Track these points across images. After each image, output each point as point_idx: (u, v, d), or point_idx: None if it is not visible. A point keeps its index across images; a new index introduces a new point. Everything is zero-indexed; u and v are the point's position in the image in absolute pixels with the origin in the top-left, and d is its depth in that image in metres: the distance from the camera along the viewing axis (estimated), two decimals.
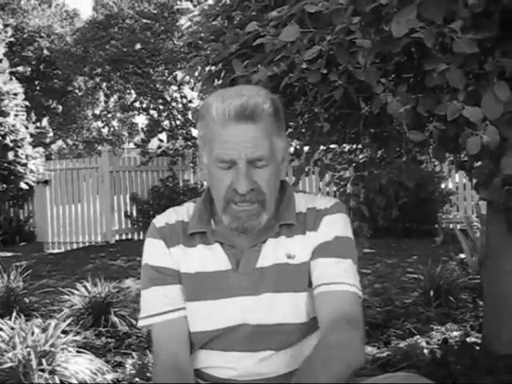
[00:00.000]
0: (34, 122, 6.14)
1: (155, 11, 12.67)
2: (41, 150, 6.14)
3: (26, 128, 5.87)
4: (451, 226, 7.84)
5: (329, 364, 1.09)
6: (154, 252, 1.31)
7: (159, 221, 1.33)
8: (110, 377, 2.60)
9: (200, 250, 1.29)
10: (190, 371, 1.26)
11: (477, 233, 4.90)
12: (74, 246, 8.91)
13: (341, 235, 1.27)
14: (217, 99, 1.19)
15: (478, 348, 2.79)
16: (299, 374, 1.10)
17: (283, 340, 1.25)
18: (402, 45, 1.60)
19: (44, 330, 2.67)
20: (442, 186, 7.84)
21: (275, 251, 1.26)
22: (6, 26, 6.11)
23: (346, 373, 1.10)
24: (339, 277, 1.22)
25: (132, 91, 14.46)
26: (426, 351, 2.78)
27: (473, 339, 2.97)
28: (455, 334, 3.11)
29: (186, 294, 1.28)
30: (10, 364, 2.41)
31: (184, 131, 11.71)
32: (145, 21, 12.20)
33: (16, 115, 5.76)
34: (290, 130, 2.57)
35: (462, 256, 4.74)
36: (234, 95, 1.18)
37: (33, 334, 2.59)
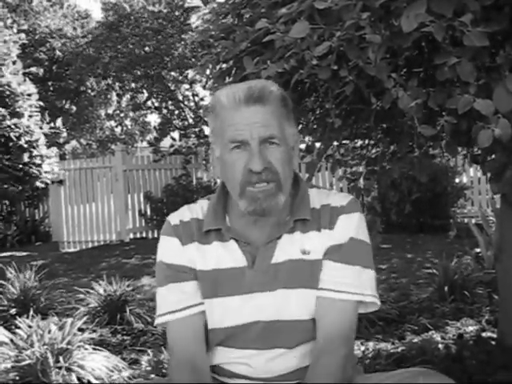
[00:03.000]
0: (48, 123, 6.20)
1: (165, 10, 12.69)
2: (55, 150, 6.19)
3: (41, 128, 5.93)
4: (466, 220, 7.79)
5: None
6: (169, 250, 1.32)
7: (174, 218, 1.34)
8: (126, 374, 2.63)
9: (215, 247, 1.29)
10: (206, 369, 1.28)
11: (492, 227, 4.86)
12: (89, 245, 8.98)
13: (355, 237, 1.27)
14: (225, 89, 1.26)
15: (493, 343, 2.78)
16: None
17: (295, 337, 1.26)
18: (412, 39, 1.59)
19: (60, 328, 2.70)
20: (457, 180, 7.78)
21: (290, 247, 1.27)
22: (19, 31, 6.17)
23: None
24: (344, 285, 1.24)
25: (144, 91, 14.53)
26: (441, 346, 2.77)
27: (488, 334, 2.95)
28: (470, 328, 3.09)
29: (203, 291, 1.29)
30: (28, 361, 2.45)
31: (196, 129, 11.75)
32: (156, 22, 12.25)
33: (30, 116, 5.82)
34: (301, 126, 2.57)
35: (477, 250, 4.71)
36: (241, 84, 1.26)
37: (50, 332, 2.62)
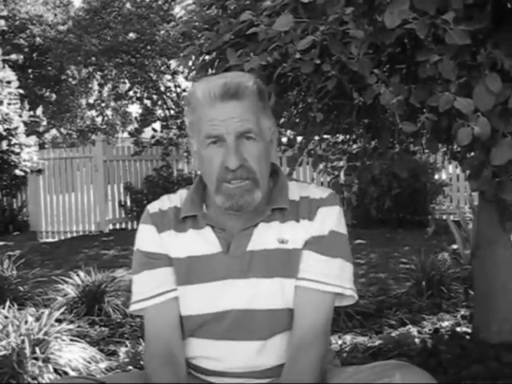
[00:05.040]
0: (28, 111, 6.10)
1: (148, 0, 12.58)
2: (34, 138, 6.10)
3: (20, 116, 5.83)
4: (444, 216, 7.88)
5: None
6: (145, 238, 1.33)
7: (153, 207, 1.35)
8: (103, 365, 2.62)
9: (190, 235, 1.30)
10: (181, 358, 1.28)
11: (469, 224, 4.93)
12: (68, 236, 8.90)
13: (336, 230, 1.28)
14: (201, 83, 1.24)
15: (468, 337, 2.82)
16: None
17: (271, 327, 1.26)
18: (395, 36, 1.60)
19: (37, 318, 2.67)
20: (436, 176, 7.87)
21: (266, 236, 1.27)
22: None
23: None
24: (324, 276, 1.25)
25: (126, 80, 14.40)
26: (417, 340, 2.81)
27: (463, 329, 3.00)
28: (446, 323, 3.14)
29: (178, 279, 1.30)
30: (3, 352, 2.42)
31: (178, 120, 11.68)
32: (139, 10, 12.15)
33: (9, 104, 5.72)
34: (283, 119, 2.57)
35: (455, 247, 4.77)
36: (218, 77, 1.24)
37: (26, 322, 2.59)
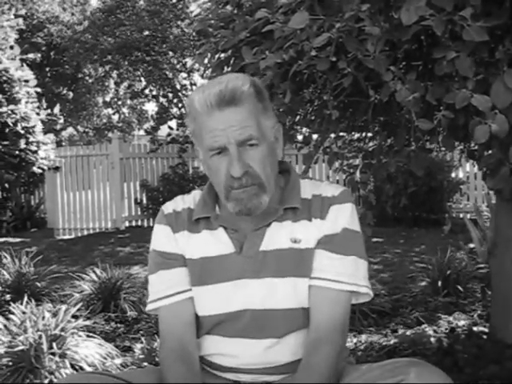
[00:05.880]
0: (45, 109, 6.16)
1: None
2: (51, 136, 6.16)
3: (38, 114, 5.89)
4: (461, 215, 7.81)
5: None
6: (161, 238, 1.34)
7: (167, 207, 1.36)
8: (118, 361, 2.64)
9: (204, 236, 1.31)
10: (195, 355, 1.29)
11: (486, 222, 4.88)
12: (85, 233, 8.97)
13: (349, 227, 1.27)
14: (198, 92, 1.23)
15: (485, 337, 2.79)
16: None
17: (286, 326, 1.27)
18: (411, 32, 1.59)
19: (54, 314, 2.70)
20: (453, 175, 7.79)
21: (279, 235, 1.27)
22: (16, 16, 6.11)
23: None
24: (338, 274, 1.25)
25: (142, 78, 14.48)
26: (432, 340, 2.79)
27: (480, 328, 2.97)
28: (462, 322, 3.11)
29: (192, 280, 1.31)
30: (21, 347, 2.45)
31: None
32: (153, 7, 12.20)
33: (27, 102, 5.78)
34: (298, 117, 2.56)
35: (472, 245, 4.72)
36: (214, 84, 1.21)
37: (43, 318, 2.62)
